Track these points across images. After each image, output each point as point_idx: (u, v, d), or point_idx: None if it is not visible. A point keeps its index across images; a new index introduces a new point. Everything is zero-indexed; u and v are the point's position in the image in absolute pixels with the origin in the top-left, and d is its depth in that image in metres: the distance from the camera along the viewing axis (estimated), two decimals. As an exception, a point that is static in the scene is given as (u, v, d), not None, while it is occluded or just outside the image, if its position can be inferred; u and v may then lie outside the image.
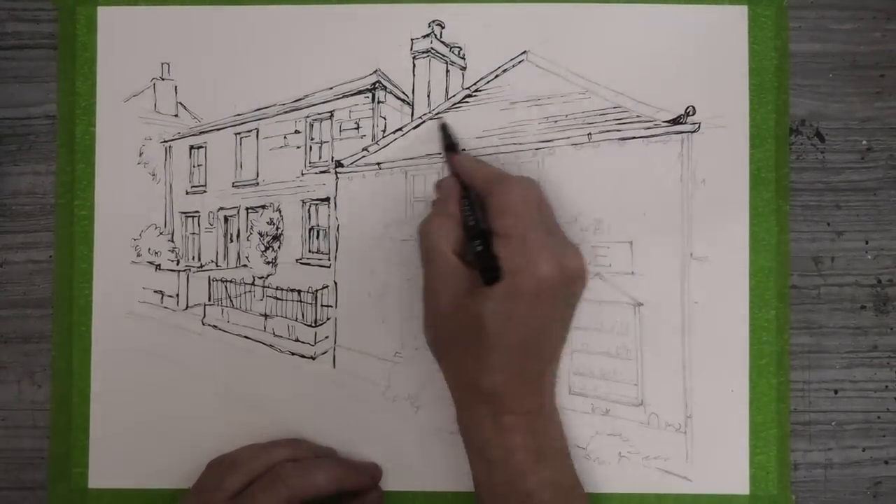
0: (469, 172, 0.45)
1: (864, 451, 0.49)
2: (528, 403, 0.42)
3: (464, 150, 0.48)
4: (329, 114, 0.51)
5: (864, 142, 0.50)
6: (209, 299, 0.51)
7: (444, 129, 0.48)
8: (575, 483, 0.44)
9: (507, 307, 0.40)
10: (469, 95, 0.50)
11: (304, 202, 0.51)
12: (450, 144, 0.48)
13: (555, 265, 0.40)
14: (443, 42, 0.50)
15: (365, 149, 0.50)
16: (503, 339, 0.40)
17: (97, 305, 0.50)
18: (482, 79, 0.50)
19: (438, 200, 0.45)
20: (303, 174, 0.51)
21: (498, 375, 0.41)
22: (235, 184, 0.52)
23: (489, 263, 0.41)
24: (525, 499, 0.41)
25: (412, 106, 0.50)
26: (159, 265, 0.51)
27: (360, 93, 0.50)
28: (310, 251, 0.51)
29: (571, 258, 0.42)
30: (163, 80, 0.51)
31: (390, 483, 0.49)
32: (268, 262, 0.51)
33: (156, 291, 0.51)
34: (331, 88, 0.50)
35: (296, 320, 0.51)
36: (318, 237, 0.51)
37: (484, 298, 0.40)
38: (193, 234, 0.52)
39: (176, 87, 0.51)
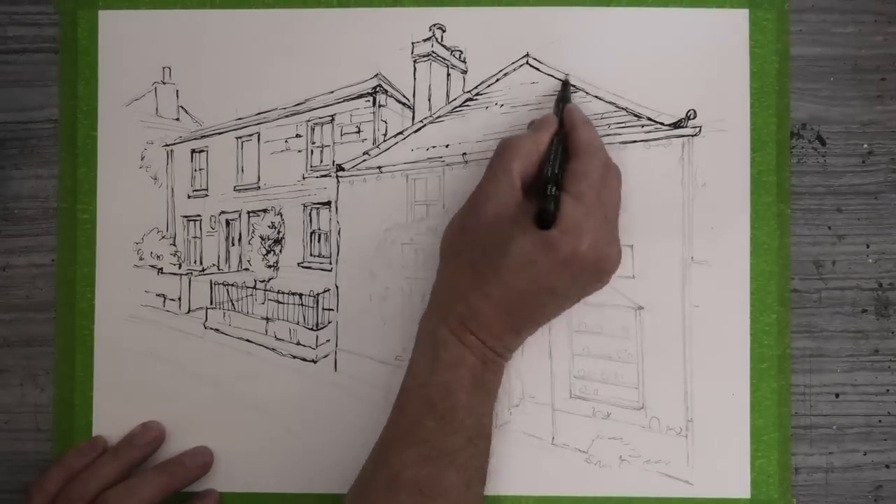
0: (575, 125, 0.45)
1: (865, 454, 0.49)
2: (495, 343, 0.43)
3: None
4: (330, 118, 0.51)
5: (866, 145, 0.50)
6: (211, 303, 0.51)
7: (566, 85, 0.49)
8: (488, 433, 0.44)
9: (536, 254, 0.41)
10: (470, 99, 0.50)
11: (305, 206, 0.51)
12: (566, 97, 0.48)
13: (596, 250, 0.41)
14: (444, 45, 0.50)
15: (366, 153, 0.51)
16: (514, 278, 0.41)
17: (99, 309, 0.50)
18: (483, 82, 0.50)
19: (531, 129, 0.46)
20: (304, 178, 0.51)
21: (486, 303, 0.42)
22: (237, 187, 0.52)
23: (549, 210, 0.41)
24: (446, 412, 0.41)
25: (413, 110, 0.50)
26: (161, 269, 0.51)
27: (361, 96, 0.50)
28: (311, 255, 0.51)
29: (611, 253, 0.43)
30: (164, 83, 0.51)
31: (391, 486, 0.49)
32: (269, 266, 0.51)
33: (158, 295, 0.51)
34: (332, 92, 0.50)
35: (297, 324, 0.51)
36: (319, 241, 0.51)
37: (523, 231, 0.41)
38: (195, 237, 0.52)
39: (177, 90, 0.51)
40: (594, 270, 0.42)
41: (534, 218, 0.41)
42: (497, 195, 0.43)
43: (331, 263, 0.50)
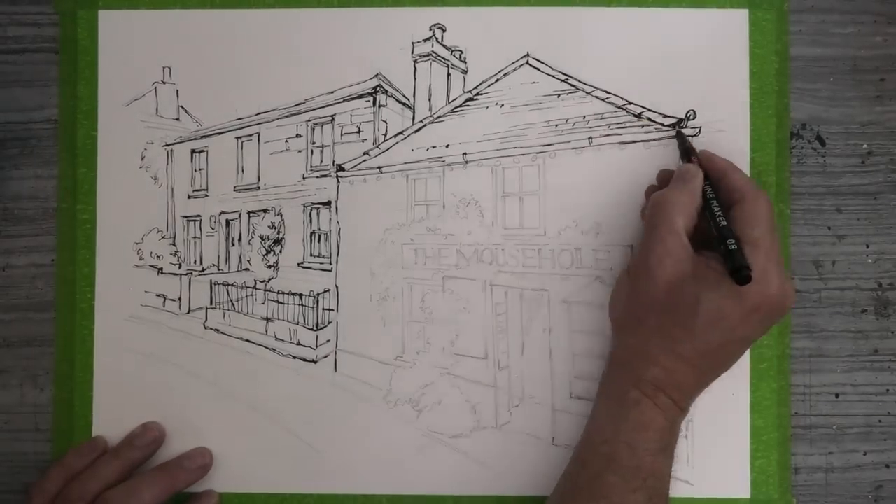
0: (725, 170, 0.45)
1: (865, 454, 0.49)
2: (685, 399, 0.43)
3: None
4: (330, 118, 0.51)
5: (865, 146, 0.50)
6: (211, 303, 0.51)
7: (681, 135, 0.48)
8: (666, 493, 0.43)
9: (726, 309, 0.40)
10: (470, 99, 0.50)
11: (305, 206, 0.51)
12: (688, 144, 0.47)
13: (781, 289, 0.41)
14: (444, 45, 0.50)
15: (366, 153, 0.51)
16: (705, 333, 0.41)
17: (99, 309, 0.50)
18: (483, 82, 0.50)
19: (678, 180, 0.45)
20: (304, 178, 0.51)
21: (682, 363, 0.41)
22: (237, 188, 0.52)
23: (742, 264, 0.40)
24: (630, 470, 0.41)
25: (413, 110, 0.50)
26: (161, 269, 0.51)
27: (361, 97, 0.50)
28: (311, 255, 0.51)
29: (791, 294, 0.42)
30: (164, 83, 0.51)
31: (390, 487, 0.49)
32: (269, 266, 0.51)
33: (158, 295, 0.51)
34: (332, 92, 0.50)
35: (297, 324, 0.51)
36: (319, 241, 0.51)
37: (708, 289, 0.41)
38: (195, 237, 0.52)
39: (177, 90, 0.51)
40: (779, 310, 0.42)
41: (731, 276, 0.40)
42: (670, 256, 0.42)
43: (331, 263, 0.50)
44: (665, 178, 0.47)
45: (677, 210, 0.43)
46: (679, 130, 0.48)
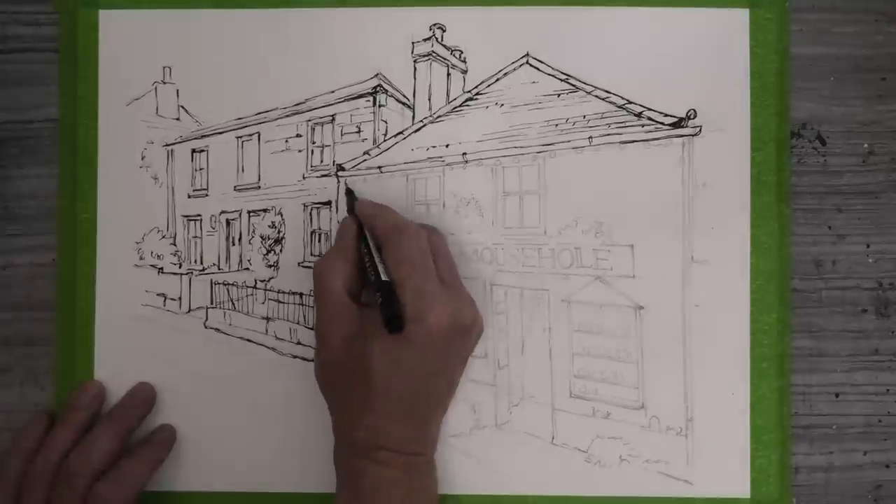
0: (369, 220, 0.45)
1: (865, 454, 0.49)
2: (408, 446, 0.42)
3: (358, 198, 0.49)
4: (330, 117, 0.51)
5: (866, 145, 0.50)
6: (211, 302, 0.51)
7: (350, 192, 0.49)
8: None
9: (396, 354, 0.41)
10: (470, 99, 0.50)
11: (305, 206, 0.51)
12: (352, 200, 0.48)
13: (446, 316, 0.41)
14: (444, 45, 0.50)
15: (366, 152, 0.51)
16: (389, 385, 0.41)
17: (100, 308, 0.50)
18: (483, 82, 0.50)
19: (336, 239, 0.46)
20: (304, 178, 0.51)
21: (380, 417, 0.41)
22: (237, 187, 0.52)
23: (394, 314, 0.41)
24: None
25: (413, 109, 0.50)
26: (162, 268, 0.51)
27: (361, 96, 0.50)
28: (311, 254, 0.51)
29: (465, 310, 0.43)
30: (164, 83, 0.51)
31: (391, 486, 0.49)
32: (269, 266, 0.51)
33: (158, 294, 0.51)
34: (332, 92, 0.50)
35: (297, 323, 0.51)
36: (319, 240, 0.51)
37: (373, 342, 0.41)
38: (195, 237, 0.52)
39: (178, 90, 0.51)
40: (458, 335, 0.42)
41: (386, 328, 0.41)
42: (335, 321, 0.43)
43: (331, 263, 0.50)
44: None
45: (333, 273, 0.43)
46: (348, 188, 0.49)
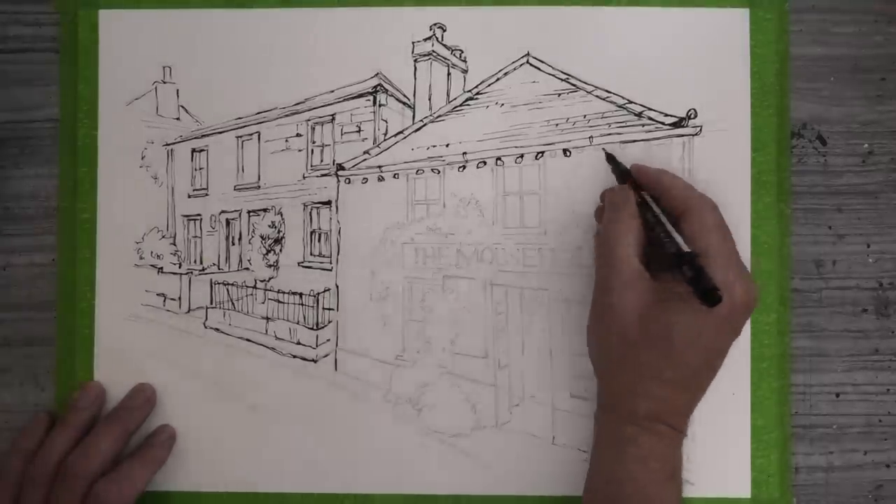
0: (658, 187, 0.44)
1: (865, 454, 0.49)
2: (681, 421, 0.42)
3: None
4: (330, 117, 0.51)
5: (866, 145, 0.50)
6: (211, 302, 0.51)
7: (611, 157, 0.47)
8: None
9: (699, 326, 0.40)
10: (470, 98, 0.50)
11: (305, 205, 0.51)
12: (620, 165, 0.47)
13: (746, 293, 0.40)
14: (444, 45, 0.50)
15: (366, 152, 0.51)
16: (686, 357, 0.40)
17: (100, 308, 0.50)
18: (483, 82, 0.50)
19: (612, 208, 0.44)
20: (304, 177, 0.51)
21: (669, 388, 0.41)
22: (237, 187, 0.52)
23: (709, 286, 0.38)
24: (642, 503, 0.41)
25: (413, 109, 0.50)
26: (161, 268, 0.51)
27: (361, 96, 0.50)
28: (311, 254, 0.51)
29: (753, 287, 0.41)
30: (164, 83, 0.51)
31: (390, 486, 0.49)
32: (269, 266, 0.51)
33: (158, 294, 0.51)
34: (332, 92, 0.50)
35: (297, 323, 0.51)
36: (319, 240, 0.51)
37: (677, 313, 0.40)
38: (195, 237, 0.52)
39: (178, 90, 0.51)
40: (750, 311, 0.41)
41: (701, 300, 0.38)
42: (631, 289, 0.41)
43: (331, 263, 0.50)
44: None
45: (621, 241, 0.42)
46: (609, 154, 0.47)
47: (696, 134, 0.49)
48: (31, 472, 0.45)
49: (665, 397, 0.41)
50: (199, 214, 0.52)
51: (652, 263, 0.42)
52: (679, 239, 0.41)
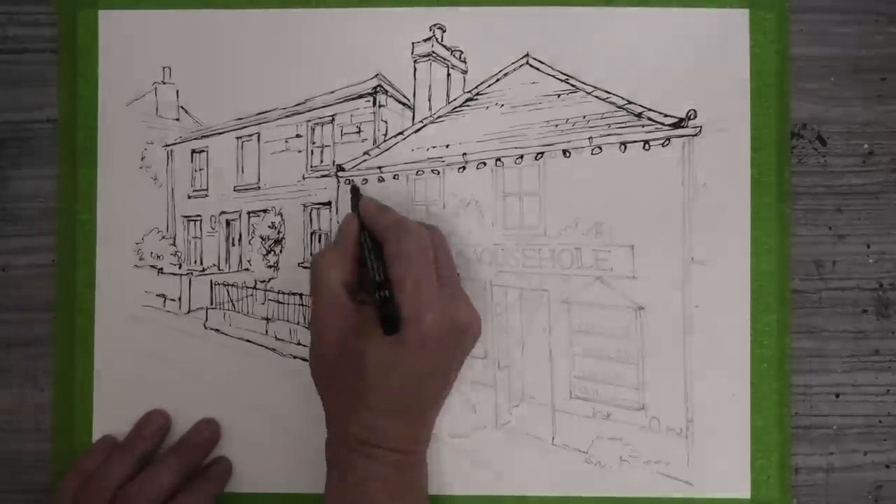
0: (372, 215, 0.45)
1: (865, 454, 0.49)
2: (400, 444, 0.42)
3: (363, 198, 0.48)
4: (330, 118, 0.51)
5: (866, 145, 0.50)
6: (211, 303, 0.51)
7: (355, 190, 0.49)
8: None
9: (391, 354, 0.40)
10: (470, 99, 0.50)
11: (305, 206, 0.51)
12: (356, 199, 0.48)
13: (443, 317, 0.41)
14: (444, 45, 0.50)
15: (366, 153, 0.51)
16: (383, 384, 0.41)
17: (99, 309, 0.50)
18: (483, 82, 0.50)
19: (338, 233, 0.46)
20: (304, 178, 0.51)
21: (374, 415, 0.41)
22: (237, 188, 0.52)
23: (387, 313, 0.40)
24: None
25: (413, 110, 0.50)
26: (161, 269, 0.51)
27: (361, 97, 0.50)
28: (311, 255, 0.51)
29: (462, 311, 0.42)
30: (164, 83, 0.51)
31: (392, 486, 0.49)
32: (269, 266, 0.51)
33: (158, 295, 0.51)
34: (332, 92, 0.50)
35: (297, 324, 0.51)
36: (319, 241, 0.51)
37: (368, 341, 0.41)
38: (195, 237, 0.52)
39: (177, 91, 0.51)
40: (454, 336, 0.42)
41: (382, 327, 0.40)
42: (331, 315, 0.42)
43: (331, 263, 0.50)
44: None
45: (329, 267, 0.43)
46: (354, 186, 0.49)
47: (695, 134, 0.49)
48: (87, 495, 0.45)
49: (374, 424, 0.41)
50: (199, 215, 0.52)
51: (363, 292, 0.44)
52: (376, 267, 0.42)
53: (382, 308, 0.40)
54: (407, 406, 0.42)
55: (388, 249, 0.43)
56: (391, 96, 0.50)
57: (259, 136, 0.51)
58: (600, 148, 0.49)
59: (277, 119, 0.51)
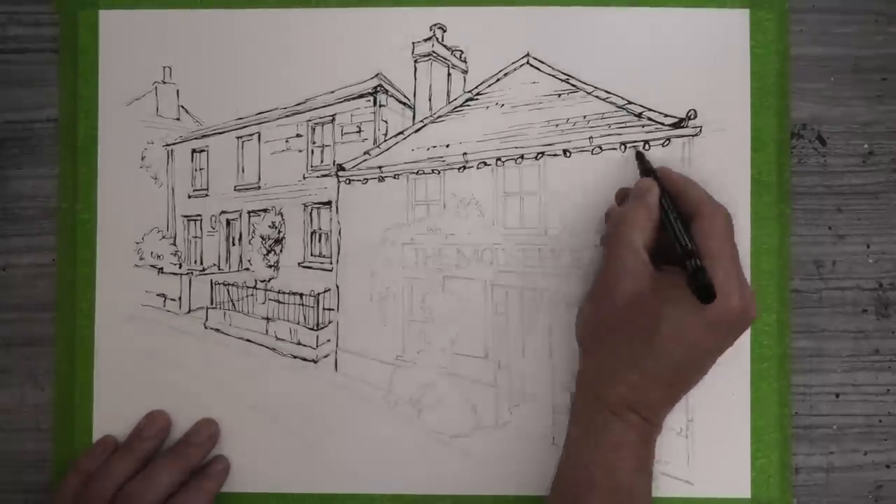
0: (681, 186, 0.45)
1: (865, 454, 0.49)
2: (655, 415, 0.42)
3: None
4: (331, 117, 0.51)
5: (866, 145, 0.50)
6: (211, 303, 0.51)
7: (641, 155, 0.48)
8: None
9: (689, 322, 0.40)
10: (470, 99, 0.50)
11: (305, 206, 0.51)
12: (648, 168, 0.47)
13: (742, 301, 0.40)
14: (444, 45, 0.50)
15: (366, 152, 0.51)
16: (668, 351, 0.41)
17: (100, 309, 0.50)
18: (483, 82, 0.50)
19: (634, 197, 0.45)
20: (304, 178, 0.51)
21: (645, 379, 0.41)
22: (237, 187, 0.52)
23: (705, 282, 0.38)
24: (610, 491, 0.41)
25: (414, 109, 0.50)
26: (161, 269, 0.51)
27: (361, 96, 0.50)
28: (311, 255, 0.51)
29: (751, 299, 0.42)
30: (164, 83, 0.51)
31: (391, 486, 0.49)
32: (270, 266, 0.51)
33: (158, 295, 0.51)
34: (332, 92, 0.50)
35: (297, 324, 0.51)
36: (319, 241, 0.51)
37: (668, 307, 0.41)
38: (195, 237, 0.52)
39: (178, 90, 0.51)
40: (742, 322, 0.42)
41: (694, 293, 0.39)
42: (629, 273, 0.42)
43: (331, 263, 0.50)
44: (624, 198, 0.47)
45: (633, 226, 0.43)
46: (638, 151, 0.48)
47: (696, 134, 0.49)
48: (88, 494, 0.45)
49: (640, 386, 0.41)
50: (199, 215, 0.52)
51: (659, 257, 0.43)
52: (687, 237, 0.41)
53: (697, 277, 0.39)
54: (679, 377, 0.42)
55: (701, 223, 0.42)
56: (391, 96, 0.50)
57: (259, 136, 0.51)
58: (600, 148, 0.49)
59: (278, 119, 0.51)
